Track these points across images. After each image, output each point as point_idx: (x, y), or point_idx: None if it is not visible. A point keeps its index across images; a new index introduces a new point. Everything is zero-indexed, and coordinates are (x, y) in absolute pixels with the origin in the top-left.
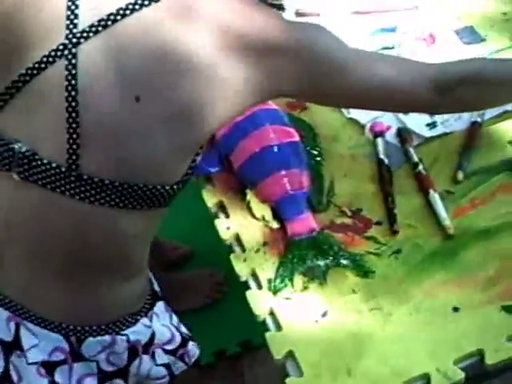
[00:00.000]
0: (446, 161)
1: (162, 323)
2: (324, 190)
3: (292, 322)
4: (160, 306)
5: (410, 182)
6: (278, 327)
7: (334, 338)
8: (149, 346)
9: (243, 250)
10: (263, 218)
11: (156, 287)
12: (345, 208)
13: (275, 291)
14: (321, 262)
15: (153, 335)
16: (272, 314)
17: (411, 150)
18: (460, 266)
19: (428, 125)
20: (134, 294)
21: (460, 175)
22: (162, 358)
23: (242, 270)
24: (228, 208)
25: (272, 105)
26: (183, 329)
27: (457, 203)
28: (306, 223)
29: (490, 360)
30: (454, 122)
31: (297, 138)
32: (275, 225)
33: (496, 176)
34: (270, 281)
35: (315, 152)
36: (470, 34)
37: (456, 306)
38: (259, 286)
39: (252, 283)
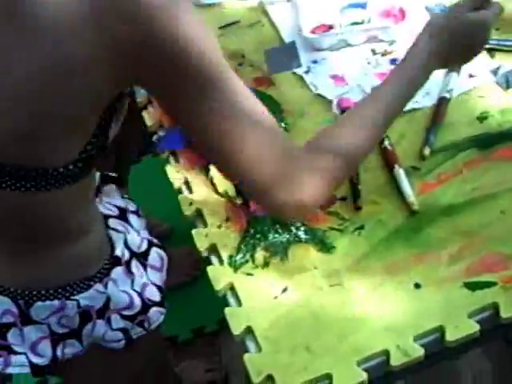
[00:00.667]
0: (413, 137)
1: (121, 289)
2: None
3: (252, 298)
4: (118, 272)
5: (375, 157)
6: (238, 303)
7: (294, 314)
8: (103, 311)
9: (205, 225)
10: (226, 194)
11: (118, 252)
12: None
13: (236, 267)
14: (282, 238)
15: (108, 301)
16: (232, 289)
17: None
18: (423, 243)
19: None
20: (82, 258)
21: (426, 151)
22: (118, 323)
23: (203, 245)
24: (192, 184)
25: None
26: (148, 294)
27: (422, 179)
28: None
29: (451, 337)
30: (422, 98)
31: None
32: (238, 201)
33: (463, 152)
34: (231, 256)
35: (281, 128)
36: (442, 10)
37: (418, 283)
38: (220, 262)
39: (213, 259)
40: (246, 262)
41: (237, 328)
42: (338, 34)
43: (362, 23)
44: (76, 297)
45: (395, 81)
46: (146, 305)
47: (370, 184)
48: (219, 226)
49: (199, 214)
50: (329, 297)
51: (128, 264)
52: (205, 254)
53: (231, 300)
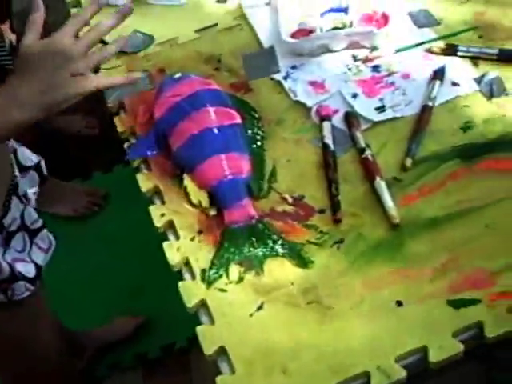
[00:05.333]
0: (395, 147)
1: None
2: (265, 175)
3: (225, 316)
4: None
5: (356, 168)
6: (211, 321)
7: (269, 333)
8: None
9: (177, 238)
10: (200, 205)
11: (6, 221)
12: (286, 195)
13: (209, 282)
14: (258, 252)
15: None
16: (205, 306)
17: (358, 135)
18: (405, 258)
19: (377, 109)
20: None
21: (408, 162)
22: None
23: (174, 259)
24: (164, 193)
25: (214, 85)
26: (20, 268)
27: (404, 191)
28: (244, 210)
29: (434, 357)
30: (405, 107)
31: (239, 121)
32: (212, 212)
33: (446, 163)
34: (204, 271)
35: (258, 136)
36: (425, 17)
37: (400, 300)
38: (193, 277)
39: (185, 273)
40: (220, 277)
41: (209, 348)
42: (319, 39)
43: (343, 28)
44: None
45: None
46: (15, 276)
47: (349, 196)
48: (192, 239)
49: (171, 225)
50: (306, 315)
51: (10, 235)
52: (177, 268)
53: (203, 318)
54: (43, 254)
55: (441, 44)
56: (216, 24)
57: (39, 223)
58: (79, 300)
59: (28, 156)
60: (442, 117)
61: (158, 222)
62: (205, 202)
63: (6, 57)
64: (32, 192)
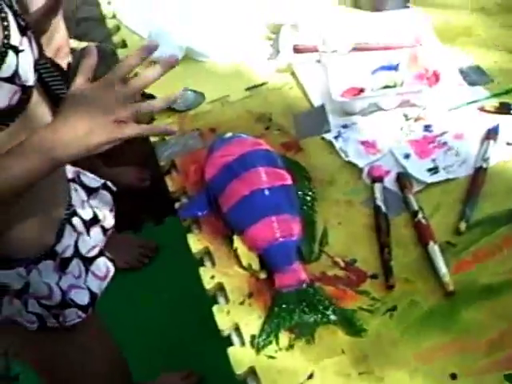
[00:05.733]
0: (448, 209)
1: (43, 280)
2: (316, 238)
3: None
4: (47, 265)
5: (408, 231)
6: None
7: None
8: (21, 294)
9: (227, 301)
10: (250, 267)
11: (59, 248)
12: (338, 259)
13: (259, 349)
14: (309, 318)
15: (27, 286)
16: (254, 373)
17: (411, 197)
18: (460, 328)
19: (429, 170)
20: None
21: (463, 226)
22: (34, 307)
23: (224, 323)
24: (214, 255)
25: (265, 145)
26: (73, 296)
27: (458, 256)
28: (295, 274)
29: None
30: (458, 168)
31: (289, 182)
32: (262, 275)
33: (502, 227)
34: (253, 337)
35: (308, 197)
36: (476, 74)
37: (454, 373)
38: (242, 342)
39: (235, 339)
40: (270, 343)
41: None
42: (369, 98)
43: (394, 86)
44: None
45: None
46: (66, 303)
47: (402, 260)
48: (242, 303)
49: (221, 288)
50: None
51: (65, 262)
52: (226, 333)
53: None
54: (98, 282)
55: (494, 102)
56: (266, 82)
57: (96, 250)
58: (126, 353)
59: (93, 177)
60: (496, 178)
61: (208, 284)
62: (255, 265)
63: (61, 86)
64: (108, 210)
